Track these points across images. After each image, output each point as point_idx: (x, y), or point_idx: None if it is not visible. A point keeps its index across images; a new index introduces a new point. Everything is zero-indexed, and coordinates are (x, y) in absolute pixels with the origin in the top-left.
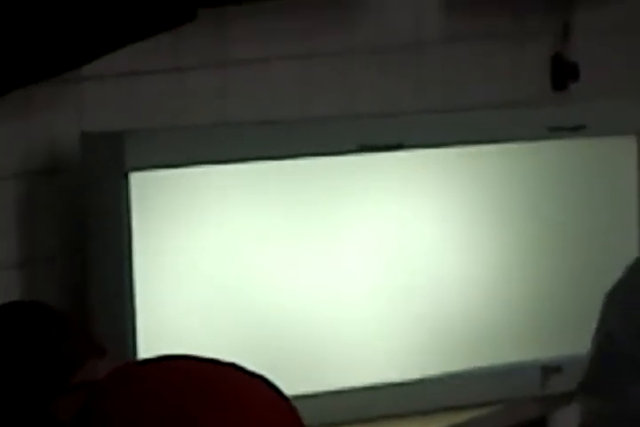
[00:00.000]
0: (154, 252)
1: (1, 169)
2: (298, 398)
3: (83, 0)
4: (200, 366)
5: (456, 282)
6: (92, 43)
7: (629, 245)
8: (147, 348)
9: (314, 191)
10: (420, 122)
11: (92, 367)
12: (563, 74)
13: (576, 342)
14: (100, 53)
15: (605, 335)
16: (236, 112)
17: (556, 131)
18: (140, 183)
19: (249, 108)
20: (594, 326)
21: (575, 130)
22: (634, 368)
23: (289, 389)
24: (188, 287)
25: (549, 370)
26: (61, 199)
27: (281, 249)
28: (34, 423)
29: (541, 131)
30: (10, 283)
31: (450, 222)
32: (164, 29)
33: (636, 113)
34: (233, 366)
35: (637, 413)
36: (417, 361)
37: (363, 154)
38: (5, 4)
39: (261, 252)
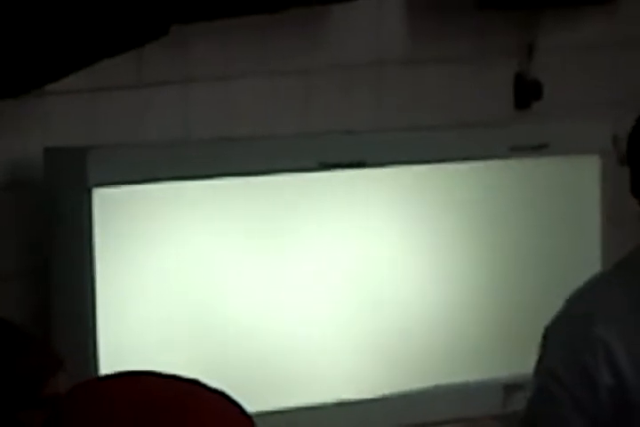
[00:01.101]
0: (116, 268)
1: None
2: (259, 414)
3: (53, 17)
4: (162, 383)
5: (418, 300)
6: (62, 60)
7: (592, 263)
8: (108, 364)
9: (275, 208)
10: (382, 140)
11: (57, 382)
12: (525, 93)
13: None
14: (70, 70)
15: (546, 371)
16: (199, 129)
17: (518, 150)
18: (103, 199)
19: (212, 125)
20: None
21: (538, 149)
22: (574, 406)
23: (251, 405)
24: (150, 304)
25: (511, 388)
26: (24, 215)
27: (243, 265)
28: None
29: (504, 150)
30: None
31: (411, 240)
32: (135, 46)
33: (599, 132)
34: (195, 382)
35: None
36: (378, 379)
37: (324, 171)
38: None
39: (223, 268)
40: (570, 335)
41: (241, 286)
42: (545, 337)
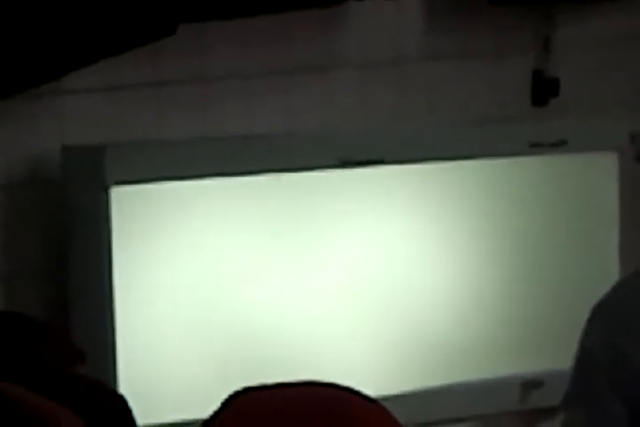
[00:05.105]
0: (134, 266)
1: None
2: None
3: (62, 12)
4: (320, 393)
5: (436, 297)
6: (69, 55)
7: (610, 260)
8: (127, 361)
9: (295, 206)
10: (401, 137)
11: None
12: (543, 89)
13: (557, 356)
14: (77, 66)
15: (584, 349)
16: (217, 126)
17: (536, 146)
18: (121, 197)
19: (230, 123)
20: (575, 340)
21: (556, 146)
22: (610, 383)
23: None
24: (168, 301)
25: (530, 385)
26: (42, 213)
27: (262, 263)
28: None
29: (522, 146)
30: None
31: (430, 237)
32: (142, 43)
33: (617, 129)
34: (350, 390)
35: None
36: (395, 376)
37: (344, 169)
38: None
39: (242, 266)
40: (610, 316)
41: (259, 285)
42: (589, 317)
